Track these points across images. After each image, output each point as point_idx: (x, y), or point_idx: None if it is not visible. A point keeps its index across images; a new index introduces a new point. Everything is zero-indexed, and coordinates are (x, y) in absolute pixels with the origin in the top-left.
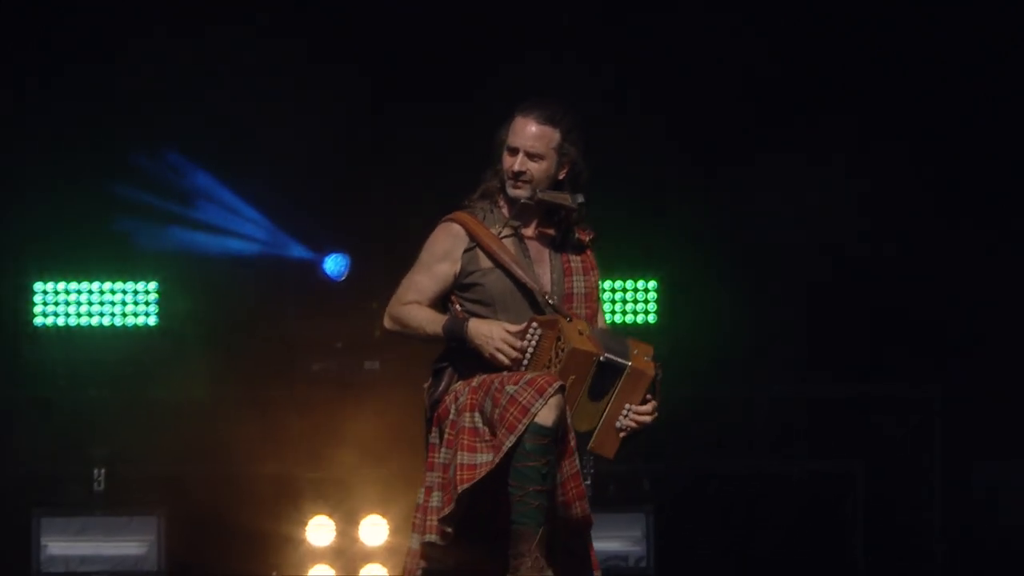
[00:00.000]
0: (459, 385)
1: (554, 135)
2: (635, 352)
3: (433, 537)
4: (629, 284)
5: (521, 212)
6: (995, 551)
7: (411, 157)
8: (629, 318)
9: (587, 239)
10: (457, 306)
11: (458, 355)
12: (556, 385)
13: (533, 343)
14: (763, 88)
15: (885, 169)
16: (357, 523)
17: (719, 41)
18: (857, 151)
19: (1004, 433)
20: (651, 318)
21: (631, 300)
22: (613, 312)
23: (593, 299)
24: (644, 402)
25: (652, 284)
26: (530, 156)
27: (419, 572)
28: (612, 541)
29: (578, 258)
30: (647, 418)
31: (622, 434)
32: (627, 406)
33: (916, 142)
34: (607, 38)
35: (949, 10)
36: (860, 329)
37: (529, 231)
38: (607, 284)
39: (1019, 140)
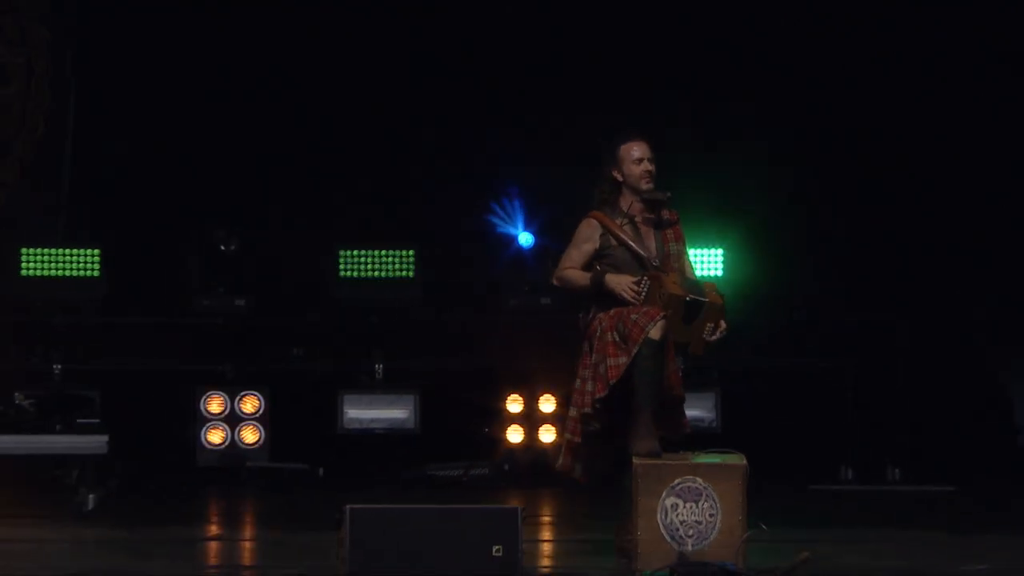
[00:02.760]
0: (601, 315)
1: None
2: (708, 290)
3: (587, 410)
4: (703, 250)
5: (638, 205)
6: None
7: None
8: (704, 272)
9: (675, 218)
10: (598, 267)
11: (599, 297)
12: (660, 315)
13: (645, 289)
14: None
15: None
16: (537, 399)
17: None
18: None
19: None
20: (719, 272)
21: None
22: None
23: (682, 257)
24: (719, 321)
25: (720, 251)
26: (651, 162)
27: (577, 432)
28: (694, 410)
29: (671, 231)
30: (718, 331)
31: (705, 341)
32: (709, 325)
33: None
34: None
35: None
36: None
37: (638, 218)
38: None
39: None
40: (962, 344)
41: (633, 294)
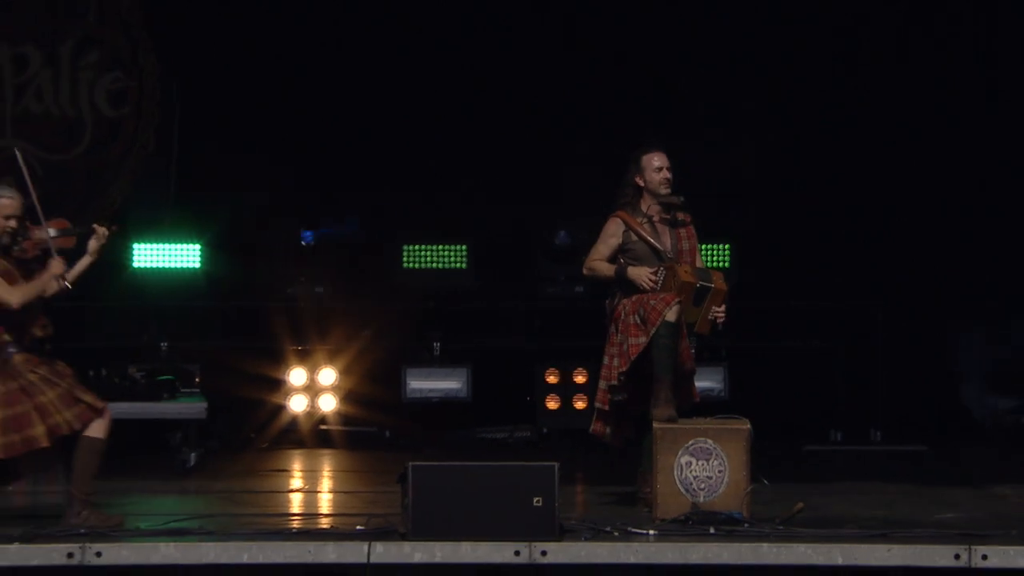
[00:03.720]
0: (625, 301)
1: None
2: (716, 277)
3: (613, 382)
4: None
5: (656, 207)
6: None
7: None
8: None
9: (688, 219)
10: (622, 260)
11: (623, 285)
12: (675, 300)
13: (661, 278)
14: None
15: None
16: (572, 372)
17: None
18: None
19: None
20: (727, 264)
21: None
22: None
23: (694, 252)
24: (721, 305)
25: (727, 247)
26: (668, 170)
27: (606, 401)
28: (704, 382)
29: (684, 230)
30: (722, 313)
31: (710, 323)
32: (713, 308)
33: None
34: None
35: None
36: None
37: (656, 218)
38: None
39: None
40: (925, 326)
41: (651, 283)
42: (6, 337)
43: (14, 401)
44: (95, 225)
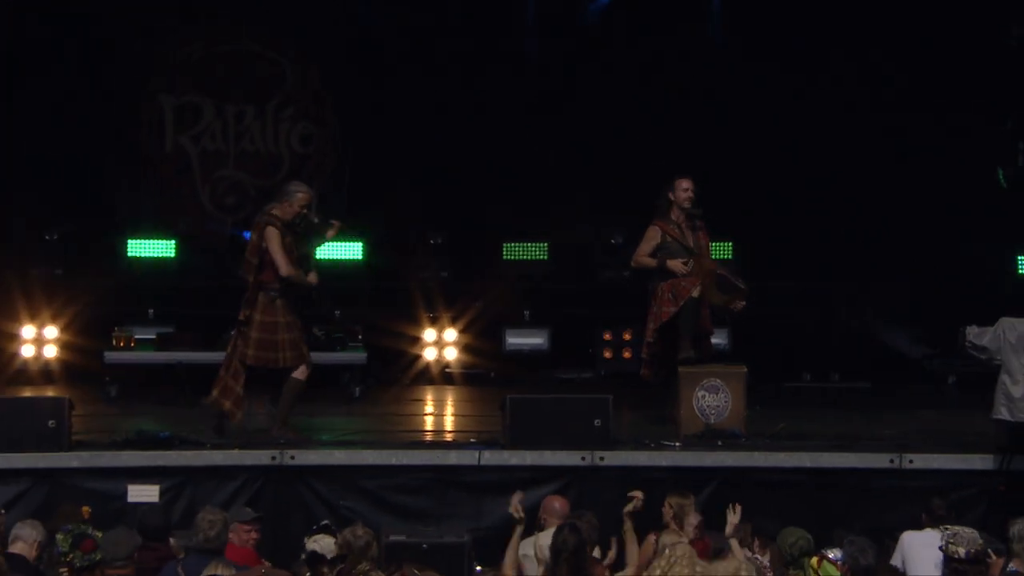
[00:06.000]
0: (662, 284)
1: None
2: (740, 283)
3: (650, 339)
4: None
5: (682, 216)
6: None
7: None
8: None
9: (703, 225)
10: (659, 255)
11: (661, 273)
12: (698, 283)
13: (690, 266)
14: None
15: None
16: (622, 333)
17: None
18: None
19: None
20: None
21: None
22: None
23: (708, 248)
24: (743, 301)
25: (729, 245)
26: (692, 191)
27: (647, 352)
28: (714, 339)
29: (701, 233)
30: (738, 305)
31: (729, 307)
32: (737, 302)
33: None
34: None
35: None
36: None
37: (683, 224)
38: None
39: None
40: (868, 298)
41: (685, 269)
42: (275, 284)
43: (271, 330)
44: (334, 220)
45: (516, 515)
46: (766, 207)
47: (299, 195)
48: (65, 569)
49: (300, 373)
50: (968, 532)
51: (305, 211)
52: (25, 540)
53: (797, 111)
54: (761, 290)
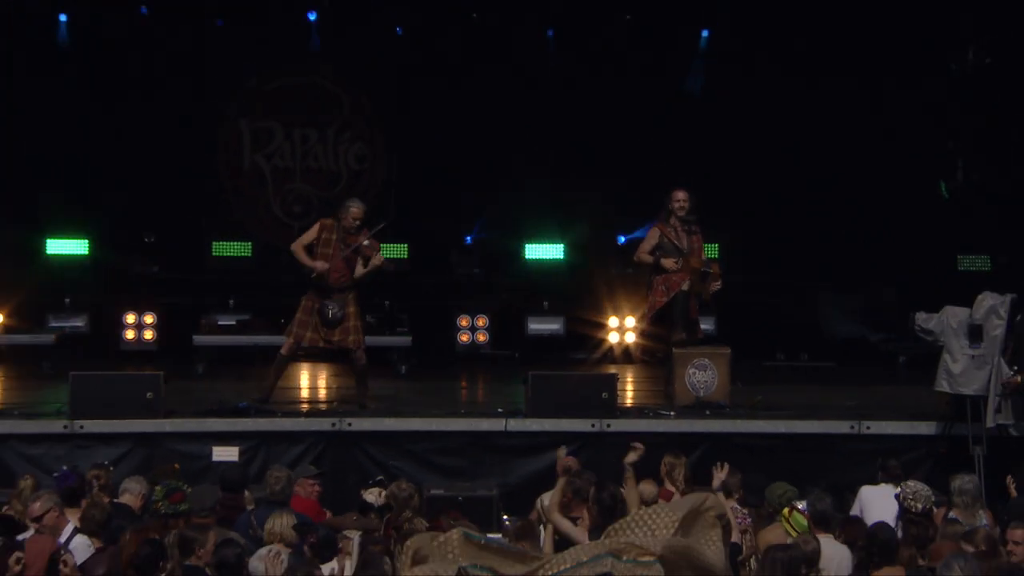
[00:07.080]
0: (657, 277)
1: None
2: (714, 267)
3: (651, 315)
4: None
5: (677, 221)
6: None
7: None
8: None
9: (697, 229)
10: (657, 253)
11: (658, 269)
12: (687, 278)
13: (680, 263)
14: None
15: None
16: (624, 318)
17: None
18: None
19: None
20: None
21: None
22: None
23: (701, 249)
24: (717, 282)
25: (716, 246)
26: (686, 200)
27: (646, 335)
28: (703, 325)
29: (695, 237)
30: (719, 286)
31: (709, 292)
32: (712, 284)
33: None
34: None
35: None
36: None
37: (678, 228)
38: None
39: None
40: (819, 291)
41: (675, 267)
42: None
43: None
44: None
45: (573, 467)
46: (737, 208)
47: (352, 208)
48: (159, 518)
49: (360, 355)
50: (923, 489)
51: (357, 225)
52: (132, 492)
53: (790, 115)
54: (745, 284)
